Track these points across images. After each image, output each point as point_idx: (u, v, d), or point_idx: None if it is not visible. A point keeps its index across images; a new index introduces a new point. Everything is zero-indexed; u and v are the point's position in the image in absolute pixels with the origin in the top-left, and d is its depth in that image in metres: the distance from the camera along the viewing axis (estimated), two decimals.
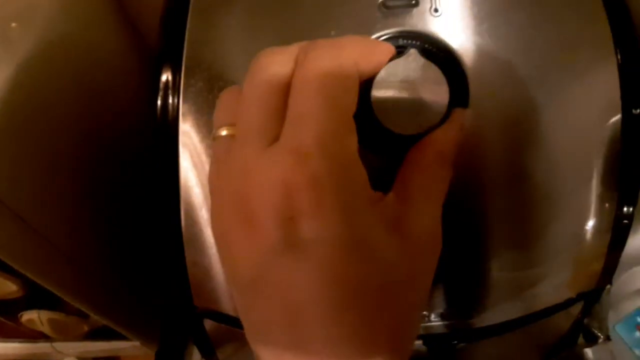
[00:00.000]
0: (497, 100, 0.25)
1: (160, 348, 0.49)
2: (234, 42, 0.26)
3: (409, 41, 0.25)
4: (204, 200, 0.26)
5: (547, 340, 0.36)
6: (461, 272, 0.27)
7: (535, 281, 0.28)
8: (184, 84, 0.26)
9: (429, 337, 0.29)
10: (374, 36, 0.25)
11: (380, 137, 0.21)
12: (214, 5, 0.27)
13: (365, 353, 0.18)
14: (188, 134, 0.26)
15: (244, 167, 0.19)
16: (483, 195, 0.26)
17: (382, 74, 0.21)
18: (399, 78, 0.21)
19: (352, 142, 0.19)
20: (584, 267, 0.29)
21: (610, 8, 0.26)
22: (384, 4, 0.25)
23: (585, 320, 0.34)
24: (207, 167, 0.26)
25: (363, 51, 0.20)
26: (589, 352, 0.37)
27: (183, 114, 0.26)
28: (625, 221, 0.27)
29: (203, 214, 0.26)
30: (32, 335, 0.47)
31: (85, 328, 0.46)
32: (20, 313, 0.43)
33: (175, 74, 0.26)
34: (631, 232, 0.28)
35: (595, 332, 0.34)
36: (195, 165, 0.26)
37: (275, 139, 0.19)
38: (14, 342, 0.49)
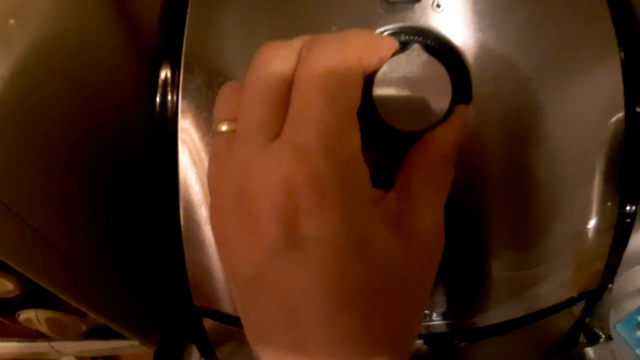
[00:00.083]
0: (500, 97, 0.25)
1: (160, 347, 0.49)
2: (233, 38, 0.26)
3: (412, 37, 0.24)
4: (204, 199, 0.26)
5: (549, 340, 0.35)
6: (463, 271, 0.27)
7: (537, 280, 0.28)
8: (183, 80, 0.26)
9: (430, 337, 0.29)
10: (376, 32, 0.25)
11: (381, 133, 0.21)
12: (213, 0, 0.27)
13: (366, 353, 0.18)
14: (187, 130, 0.26)
15: (244, 164, 0.19)
16: (484, 193, 0.26)
17: (384, 69, 0.20)
18: (401, 74, 0.21)
19: (355, 139, 0.18)
20: (586, 266, 0.29)
21: (614, 5, 0.26)
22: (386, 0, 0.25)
23: (587, 320, 0.34)
24: (206, 164, 0.25)
25: (367, 46, 0.20)
26: (590, 351, 0.37)
27: (182, 111, 0.26)
28: (628, 220, 0.27)
29: (202, 212, 0.26)
30: (29, 334, 0.47)
31: (84, 327, 0.46)
32: (18, 312, 0.43)
33: (174, 70, 0.26)
34: (633, 231, 0.28)
35: (597, 331, 0.34)
36: (194, 162, 0.26)
37: (277, 135, 0.18)
38: (11, 341, 0.49)
